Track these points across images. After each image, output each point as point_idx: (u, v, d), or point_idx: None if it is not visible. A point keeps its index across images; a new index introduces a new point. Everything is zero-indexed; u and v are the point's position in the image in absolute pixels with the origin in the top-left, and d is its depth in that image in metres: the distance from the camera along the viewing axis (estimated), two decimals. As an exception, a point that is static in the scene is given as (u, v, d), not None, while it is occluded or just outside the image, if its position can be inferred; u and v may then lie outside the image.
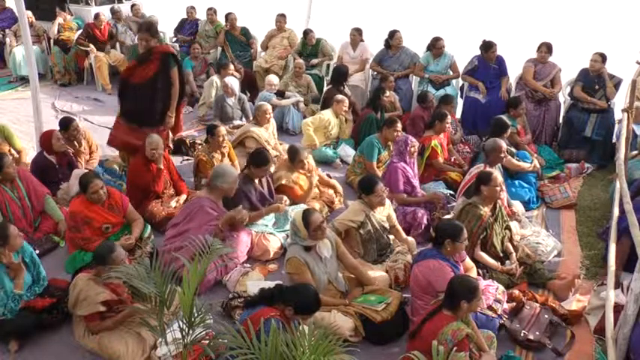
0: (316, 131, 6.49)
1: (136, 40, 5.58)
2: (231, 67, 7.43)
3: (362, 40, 7.92)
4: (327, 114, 6.57)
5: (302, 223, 3.70)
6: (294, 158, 5.10)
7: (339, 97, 6.63)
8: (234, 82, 6.90)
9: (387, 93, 6.62)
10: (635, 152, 5.77)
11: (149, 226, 4.64)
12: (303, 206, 5.02)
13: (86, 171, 5.19)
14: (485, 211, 4.20)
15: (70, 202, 4.64)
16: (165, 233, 4.51)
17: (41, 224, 4.72)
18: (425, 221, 4.85)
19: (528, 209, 5.38)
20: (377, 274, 4.12)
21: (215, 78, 7.41)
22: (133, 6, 9.69)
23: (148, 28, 5.26)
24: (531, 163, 5.74)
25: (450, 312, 3.09)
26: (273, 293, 3.23)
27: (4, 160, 4.51)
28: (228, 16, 8.92)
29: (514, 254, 4.36)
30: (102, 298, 3.45)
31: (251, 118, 6.65)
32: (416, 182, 5.20)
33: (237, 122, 6.84)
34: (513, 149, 5.73)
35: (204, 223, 4.34)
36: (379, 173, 5.55)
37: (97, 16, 8.87)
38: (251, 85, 8.24)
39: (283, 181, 5.12)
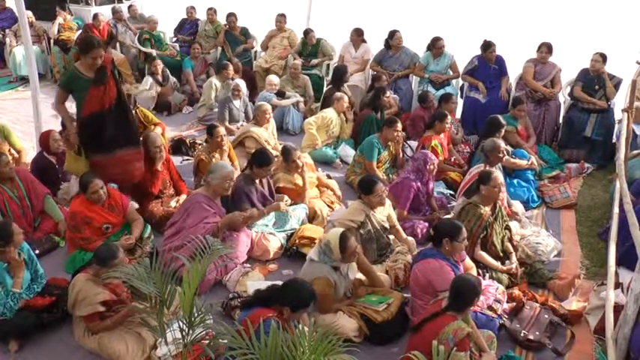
0: (318, 130, 6.48)
1: (87, 60, 4.33)
2: (231, 68, 7.41)
3: (364, 41, 7.92)
4: (330, 112, 6.56)
5: (337, 247, 3.60)
6: (287, 158, 5.10)
7: (338, 94, 6.63)
8: (242, 84, 6.93)
9: (388, 93, 6.62)
10: (636, 152, 5.76)
11: (149, 226, 4.64)
12: (302, 206, 5.03)
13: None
14: (486, 210, 4.20)
15: (70, 202, 4.64)
16: (164, 233, 4.52)
17: (41, 224, 4.72)
18: (424, 234, 4.81)
19: (528, 208, 5.38)
20: (380, 276, 4.11)
21: (214, 80, 7.41)
22: (130, 7, 9.71)
23: (99, 42, 4.44)
24: (528, 160, 5.75)
25: (455, 312, 3.09)
26: (268, 295, 3.21)
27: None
28: (228, 17, 8.93)
29: (514, 254, 4.36)
30: (101, 298, 3.44)
31: (251, 118, 6.67)
32: (425, 198, 5.13)
33: (240, 124, 6.86)
34: (509, 147, 5.73)
35: (201, 219, 4.34)
36: (379, 173, 5.56)
37: (95, 16, 8.86)
38: (251, 84, 8.24)
39: (281, 184, 5.12)
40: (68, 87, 4.52)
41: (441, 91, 7.00)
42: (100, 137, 4.55)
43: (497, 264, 4.22)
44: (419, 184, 5.02)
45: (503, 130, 5.55)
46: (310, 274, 3.67)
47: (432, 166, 5.04)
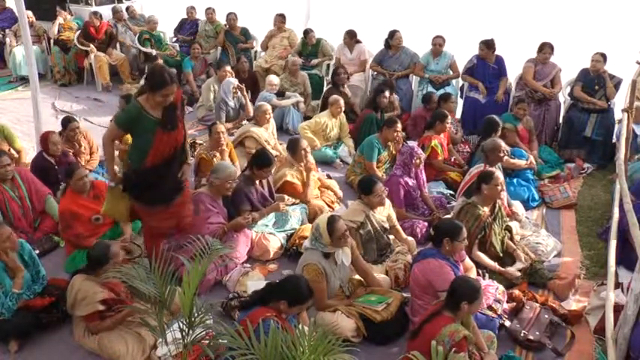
0: (314, 134, 6.47)
1: (156, 97, 3.51)
2: (228, 68, 7.39)
3: (358, 42, 7.91)
4: (324, 117, 6.53)
5: (326, 230, 3.62)
6: (295, 149, 5.09)
7: (332, 98, 6.61)
8: (234, 81, 6.94)
9: (386, 93, 6.61)
10: (638, 156, 5.73)
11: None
12: (302, 206, 5.03)
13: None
14: (485, 211, 4.20)
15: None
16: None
17: (41, 224, 4.73)
18: (423, 234, 4.82)
19: (528, 207, 5.38)
20: (378, 276, 4.11)
21: (212, 81, 7.40)
22: (127, 8, 9.71)
23: (173, 77, 3.58)
24: (527, 160, 5.75)
25: (451, 313, 3.09)
26: (266, 293, 3.22)
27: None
28: (228, 16, 8.94)
29: (517, 251, 4.35)
30: (100, 297, 3.44)
31: (251, 111, 6.66)
32: (418, 194, 5.13)
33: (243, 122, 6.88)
34: (507, 147, 5.71)
35: (205, 219, 4.36)
36: (379, 173, 5.56)
37: (91, 14, 8.84)
38: (253, 84, 8.22)
39: (287, 178, 5.11)
40: (127, 127, 3.67)
41: (441, 91, 7.00)
42: (159, 188, 3.76)
43: (494, 264, 4.21)
44: (407, 179, 5.02)
45: (499, 130, 5.54)
46: (302, 261, 3.72)
47: (418, 160, 5.04)
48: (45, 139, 5.20)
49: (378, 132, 5.81)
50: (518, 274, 4.21)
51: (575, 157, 6.40)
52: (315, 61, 8.21)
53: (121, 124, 3.67)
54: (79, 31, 8.90)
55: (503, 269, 4.20)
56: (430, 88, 7.13)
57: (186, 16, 9.67)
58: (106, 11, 9.64)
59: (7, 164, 4.54)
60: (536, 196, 5.57)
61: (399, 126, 5.62)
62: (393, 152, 5.78)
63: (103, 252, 3.51)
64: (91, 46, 8.66)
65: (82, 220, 4.33)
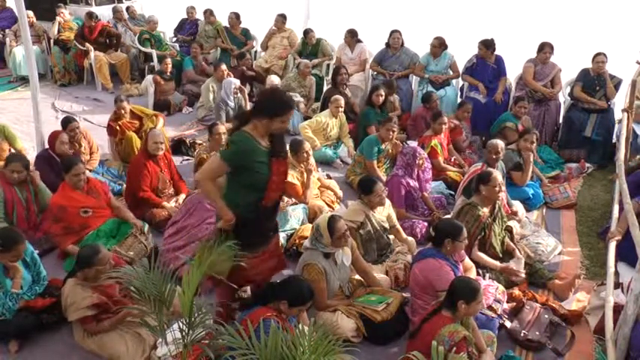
0: (315, 133, 6.47)
1: (275, 123, 3.06)
2: (224, 67, 7.37)
3: (359, 41, 7.91)
4: (325, 117, 6.53)
5: (326, 230, 3.62)
6: (297, 150, 5.08)
7: (333, 97, 6.62)
8: (237, 82, 6.94)
9: (382, 91, 6.61)
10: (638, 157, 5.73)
11: (147, 225, 4.63)
12: (302, 206, 5.02)
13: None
14: (484, 211, 4.19)
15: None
16: (164, 232, 4.52)
17: (41, 224, 4.72)
18: (423, 234, 4.82)
19: (532, 207, 5.37)
20: (378, 276, 4.11)
21: (211, 81, 7.39)
22: (127, 8, 9.72)
23: (295, 101, 3.28)
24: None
25: (450, 313, 3.09)
26: (265, 293, 3.22)
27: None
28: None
29: (517, 250, 4.35)
30: (88, 302, 3.42)
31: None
32: (419, 194, 5.12)
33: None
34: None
35: (204, 220, 4.35)
36: (379, 173, 5.55)
37: (85, 15, 8.83)
38: (259, 83, 8.22)
39: (288, 178, 5.09)
40: (238, 162, 3.07)
41: (441, 92, 7.01)
42: (264, 229, 3.34)
43: (494, 262, 4.19)
44: (408, 179, 5.01)
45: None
46: (302, 261, 3.72)
47: (421, 161, 5.03)
48: (54, 137, 5.21)
49: (377, 131, 5.81)
50: (519, 270, 4.20)
51: (575, 157, 6.40)
52: (315, 61, 8.21)
53: (231, 159, 3.06)
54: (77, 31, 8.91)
55: (504, 265, 4.19)
56: (430, 88, 7.13)
57: (186, 16, 9.68)
58: (106, 11, 9.64)
59: (19, 170, 4.53)
60: (542, 196, 5.55)
61: (394, 125, 5.60)
62: (393, 153, 5.77)
63: (89, 254, 3.46)
64: (87, 45, 8.61)
65: (71, 212, 4.33)
